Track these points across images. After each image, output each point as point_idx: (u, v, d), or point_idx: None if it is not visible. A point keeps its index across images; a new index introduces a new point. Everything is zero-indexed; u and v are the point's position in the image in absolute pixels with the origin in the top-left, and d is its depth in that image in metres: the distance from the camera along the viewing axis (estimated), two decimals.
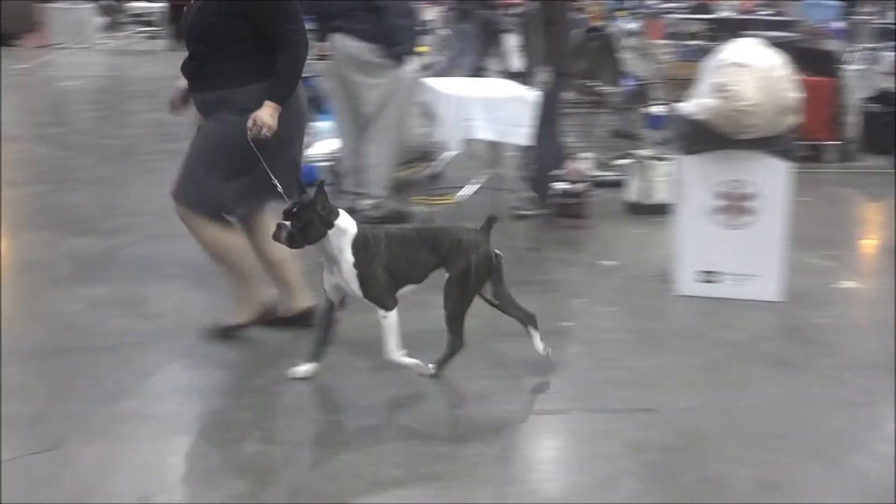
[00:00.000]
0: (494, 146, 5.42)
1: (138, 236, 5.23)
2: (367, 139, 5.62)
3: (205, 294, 4.33)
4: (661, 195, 5.57)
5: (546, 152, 5.49)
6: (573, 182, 5.56)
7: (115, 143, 8.05)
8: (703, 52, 8.10)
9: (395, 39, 5.50)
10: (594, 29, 8.19)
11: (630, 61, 8.36)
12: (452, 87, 5.22)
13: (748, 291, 4.33)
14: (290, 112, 3.53)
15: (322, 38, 5.85)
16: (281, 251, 3.56)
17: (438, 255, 3.42)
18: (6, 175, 6.74)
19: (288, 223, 3.19)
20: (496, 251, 3.48)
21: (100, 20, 17.15)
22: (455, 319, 3.43)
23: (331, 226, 3.23)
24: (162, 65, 14.54)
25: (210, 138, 3.63)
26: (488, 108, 4.92)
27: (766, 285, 4.33)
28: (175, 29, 16.97)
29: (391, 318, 3.36)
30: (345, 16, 5.49)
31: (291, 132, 3.63)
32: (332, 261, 3.29)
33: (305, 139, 7.38)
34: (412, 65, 5.67)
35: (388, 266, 3.34)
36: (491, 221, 3.51)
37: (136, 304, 4.17)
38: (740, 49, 4.33)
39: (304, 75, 7.85)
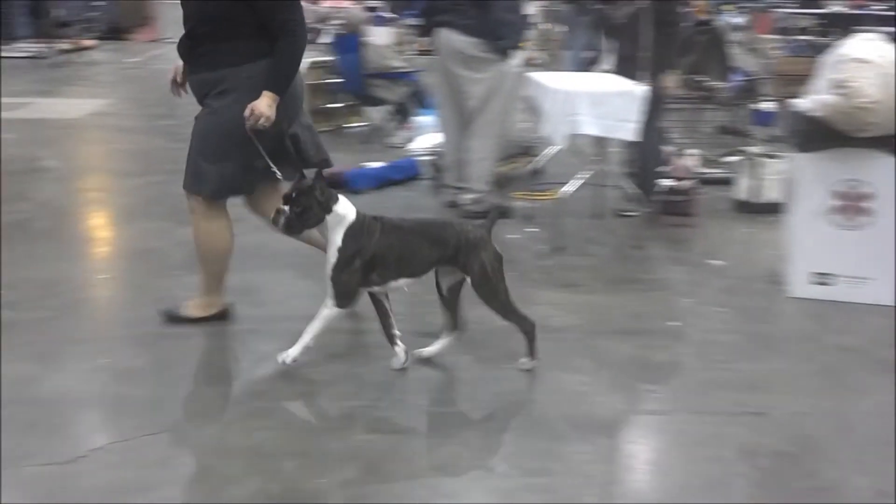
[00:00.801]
0: (599, 142, 5.35)
1: (247, 226, 5.30)
2: (470, 134, 5.64)
3: (313, 283, 4.40)
4: (771, 194, 5.43)
5: (652, 148, 5.41)
6: (679, 179, 5.46)
7: None
8: (814, 48, 7.91)
9: (500, 34, 5.51)
10: (703, 23, 8.02)
11: (738, 56, 8.15)
12: (558, 82, 5.17)
13: (863, 295, 4.18)
14: (285, 99, 3.54)
15: (426, 34, 5.90)
16: None
17: (442, 251, 3.38)
18: (121, 165, 7.02)
19: (286, 208, 3.26)
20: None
21: None
22: (507, 311, 3.44)
23: (329, 211, 3.30)
24: None
25: (205, 122, 3.66)
26: (595, 102, 4.86)
27: (882, 289, 4.16)
28: None
29: (332, 313, 3.37)
30: (450, 11, 5.52)
31: (289, 119, 3.64)
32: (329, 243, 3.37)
33: (408, 133, 7.57)
34: (516, 59, 5.66)
35: (377, 256, 3.34)
36: (495, 216, 3.50)
37: (247, 291, 4.25)
38: (861, 45, 4.18)
39: (406, 70, 8.01)
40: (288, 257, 4.73)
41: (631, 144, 5.26)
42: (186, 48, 3.66)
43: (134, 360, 3.52)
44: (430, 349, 3.56)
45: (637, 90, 4.95)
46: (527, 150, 6.39)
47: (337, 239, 3.32)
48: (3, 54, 14.17)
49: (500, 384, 3.43)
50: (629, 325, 3.99)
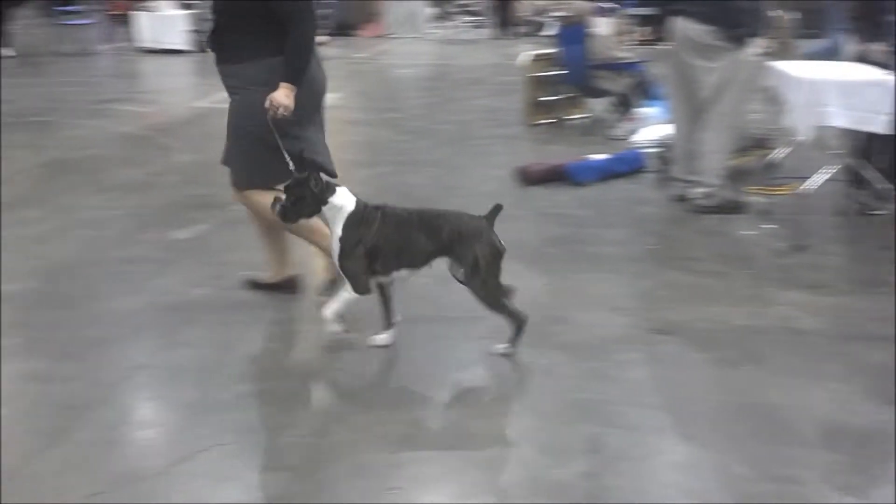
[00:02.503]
0: (847, 134, 5.02)
1: None
2: (702, 125, 5.46)
3: (538, 272, 4.43)
4: None
5: None
6: None
7: (448, 127, 8.44)
8: None
9: (737, 21, 5.29)
10: None
11: None
12: (805, 71, 4.90)
13: None
14: (303, 91, 3.63)
15: (660, 23, 5.76)
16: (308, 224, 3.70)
17: (437, 243, 3.39)
18: (353, 156, 7.32)
19: (283, 197, 3.37)
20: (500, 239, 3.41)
21: (431, 11, 18.10)
22: (492, 303, 3.43)
23: (324, 202, 3.37)
24: (487, 53, 15.10)
25: (232, 114, 3.81)
26: (845, 93, 4.56)
27: None
28: (499, 19, 17.57)
29: (350, 297, 3.44)
30: None
31: (308, 111, 3.74)
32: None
33: (631, 125, 7.43)
34: (754, 48, 5.41)
35: (378, 246, 3.37)
36: (497, 209, 3.43)
37: None
38: None
39: (632, 61, 7.86)
40: (512, 247, 4.75)
41: (881, 138, 4.90)
42: (214, 42, 3.82)
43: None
44: (501, 347, 3.51)
45: (891, 80, 4.60)
46: (762, 142, 6.09)
47: (338, 229, 3.41)
48: None
49: (737, 385, 3.30)
50: (882, 331, 3.72)
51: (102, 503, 2.58)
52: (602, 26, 8.17)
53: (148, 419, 3.09)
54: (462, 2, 18.43)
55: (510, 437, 2.98)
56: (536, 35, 16.11)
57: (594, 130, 7.87)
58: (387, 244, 3.40)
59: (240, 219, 5.36)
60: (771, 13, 11.00)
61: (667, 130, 6.12)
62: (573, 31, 7.91)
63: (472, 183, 6.26)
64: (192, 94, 10.09)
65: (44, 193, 5.85)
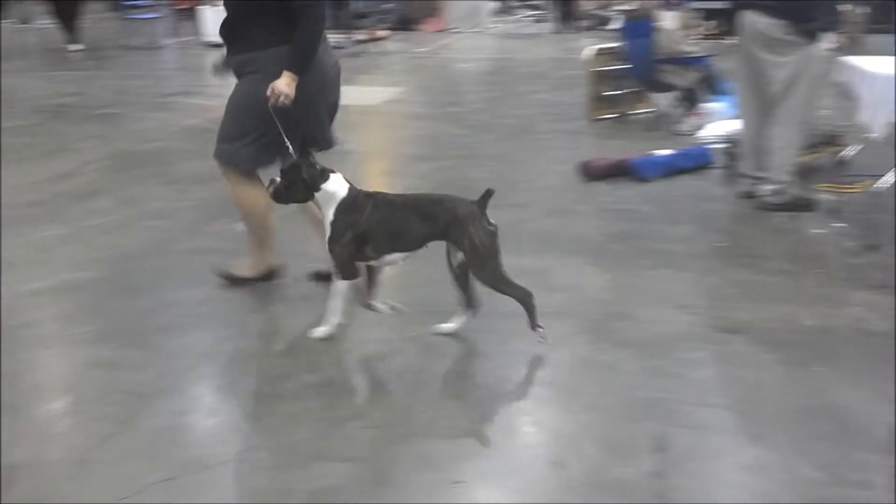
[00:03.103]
0: None
1: (538, 211, 5.41)
2: (771, 121, 5.34)
3: (600, 268, 4.39)
4: None
5: None
6: None
7: (510, 121, 8.40)
8: None
9: (810, 15, 5.16)
10: None
11: None
12: (880, 66, 4.77)
13: None
14: (308, 81, 3.70)
15: (727, 17, 5.65)
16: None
17: (434, 227, 3.45)
18: (414, 150, 7.34)
19: (278, 179, 3.52)
20: (493, 223, 3.47)
21: (492, 5, 18.07)
22: (499, 284, 3.48)
23: (317, 188, 3.46)
24: (548, 47, 15.01)
25: (234, 99, 3.90)
26: None
27: None
28: (561, 13, 17.46)
29: (342, 286, 3.53)
30: None
31: (310, 99, 3.79)
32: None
33: (696, 120, 7.31)
34: (825, 42, 5.28)
35: (370, 231, 3.45)
36: (488, 194, 3.48)
37: (541, 275, 4.30)
38: None
39: (699, 55, 7.74)
40: (575, 243, 4.76)
41: None
42: (225, 32, 3.91)
43: (443, 337, 3.66)
44: (446, 326, 3.63)
45: None
46: (833, 138, 5.96)
47: (329, 214, 3.49)
48: None
49: (806, 387, 3.22)
50: None
51: (161, 489, 2.62)
52: (668, 20, 8.06)
53: (214, 407, 3.13)
54: None
55: (573, 434, 2.95)
56: (599, 29, 15.99)
57: (658, 125, 7.76)
58: (378, 229, 3.48)
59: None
60: (841, 7, 10.81)
61: (734, 126, 6.00)
62: (639, 25, 7.82)
63: (534, 177, 6.23)
64: None
65: (112, 184, 5.96)
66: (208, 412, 3.09)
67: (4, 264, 4.48)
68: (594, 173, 6.09)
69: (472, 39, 16.12)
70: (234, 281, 4.20)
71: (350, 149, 7.51)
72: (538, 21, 17.61)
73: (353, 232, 3.46)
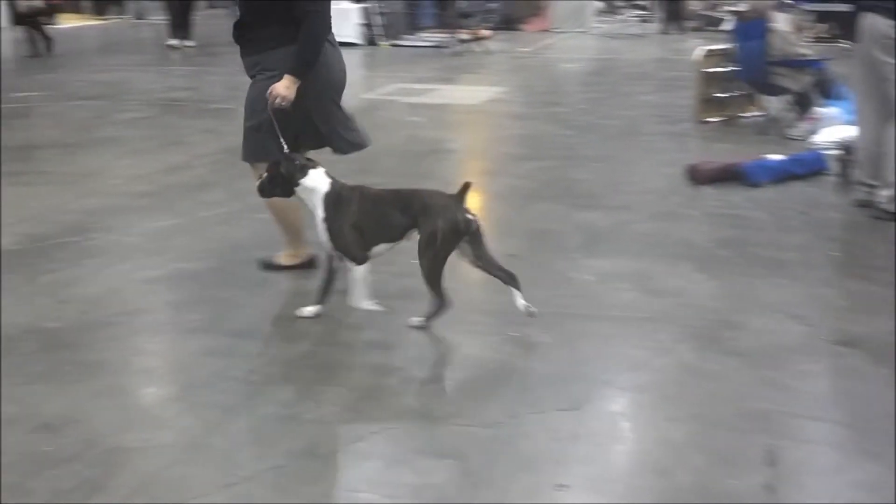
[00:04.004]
0: None
1: (642, 214, 5.33)
2: (890, 126, 5.14)
3: (708, 274, 4.29)
4: None
5: None
6: None
7: (614, 122, 8.31)
8: None
9: None
10: None
11: None
12: None
13: None
14: (310, 83, 3.84)
15: (843, 19, 5.46)
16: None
17: (410, 217, 3.57)
18: (516, 150, 7.32)
19: (265, 175, 3.70)
20: (470, 216, 3.54)
21: (597, 5, 17.90)
22: (431, 278, 3.56)
23: (295, 184, 3.61)
24: (653, 48, 14.80)
25: (249, 99, 4.04)
26: None
27: None
28: (667, 13, 17.17)
29: (358, 271, 3.63)
30: None
31: (326, 94, 4.00)
32: (312, 216, 3.65)
33: (810, 125, 7.08)
34: None
35: (359, 223, 3.58)
36: (466, 187, 3.54)
37: (644, 280, 4.24)
38: None
39: (814, 58, 7.50)
40: (682, 247, 4.67)
41: None
42: (237, 34, 4.05)
43: (540, 336, 3.64)
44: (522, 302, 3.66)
45: None
46: None
47: (320, 212, 3.61)
48: (411, 43, 15.47)
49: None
50: None
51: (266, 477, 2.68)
52: (781, 22, 7.84)
53: (322, 398, 3.18)
54: None
55: (679, 443, 2.89)
56: (708, 30, 15.66)
57: (770, 130, 7.56)
58: (366, 221, 3.61)
59: None
60: None
61: (850, 131, 5.80)
62: (751, 27, 7.63)
63: (639, 180, 6.15)
64: (362, 86, 10.34)
65: (223, 178, 6.12)
66: (316, 402, 3.13)
67: (120, 252, 4.66)
68: (702, 177, 5.97)
69: (575, 39, 16.01)
70: (275, 268, 4.35)
71: (451, 148, 7.57)
72: (643, 21, 17.36)
73: (350, 221, 3.60)
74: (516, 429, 2.93)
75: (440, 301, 3.61)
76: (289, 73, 3.81)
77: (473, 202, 5.25)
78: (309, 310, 3.80)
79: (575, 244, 4.81)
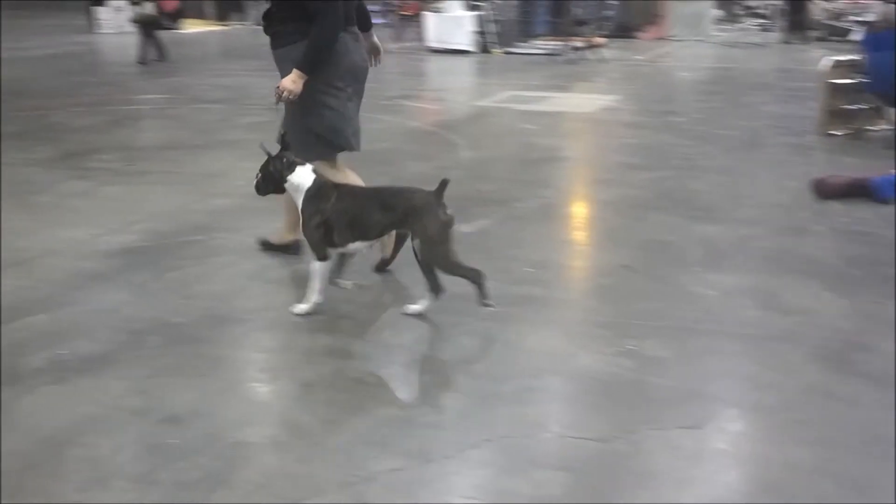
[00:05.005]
0: None
1: (766, 228, 5.17)
2: None
3: (837, 293, 4.12)
4: None
5: None
6: None
7: (734, 133, 8.09)
8: None
9: None
10: None
11: None
12: None
13: None
14: (331, 68, 4.04)
15: None
16: None
17: (392, 217, 3.71)
18: (631, 159, 7.20)
19: (259, 174, 3.91)
20: (449, 211, 3.67)
21: (716, 13, 17.50)
22: (454, 269, 3.72)
23: (284, 180, 3.82)
24: (776, 57, 14.38)
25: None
26: None
27: None
28: (789, 22, 16.66)
29: (317, 266, 3.84)
30: None
31: (336, 87, 4.14)
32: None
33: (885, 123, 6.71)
34: None
35: (334, 219, 3.73)
36: (444, 184, 3.64)
37: (769, 297, 4.11)
38: None
39: None
40: (810, 265, 4.50)
41: None
42: (266, 24, 4.23)
43: (659, 351, 3.56)
44: (415, 307, 3.88)
45: None
46: None
47: (300, 203, 3.81)
48: (524, 51, 15.44)
49: None
50: None
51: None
52: None
53: (439, 403, 3.18)
54: (749, 4, 17.68)
55: (806, 467, 2.77)
56: (831, 40, 15.13)
57: None
58: (342, 218, 3.74)
59: (521, 215, 5.46)
60: None
61: None
62: (882, 38, 7.30)
63: (762, 193, 5.96)
64: (475, 94, 10.39)
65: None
66: (432, 406, 3.14)
67: (244, 251, 4.78)
68: (828, 191, 5.75)
69: (693, 48, 15.70)
70: (269, 247, 4.70)
71: (565, 156, 7.52)
72: (764, 30, 16.87)
73: (321, 217, 3.75)
74: (634, 445, 2.87)
75: (475, 275, 3.72)
76: (297, 67, 4.00)
77: (582, 211, 5.19)
78: (345, 283, 4.04)
79: (694, 258, 4.69)
